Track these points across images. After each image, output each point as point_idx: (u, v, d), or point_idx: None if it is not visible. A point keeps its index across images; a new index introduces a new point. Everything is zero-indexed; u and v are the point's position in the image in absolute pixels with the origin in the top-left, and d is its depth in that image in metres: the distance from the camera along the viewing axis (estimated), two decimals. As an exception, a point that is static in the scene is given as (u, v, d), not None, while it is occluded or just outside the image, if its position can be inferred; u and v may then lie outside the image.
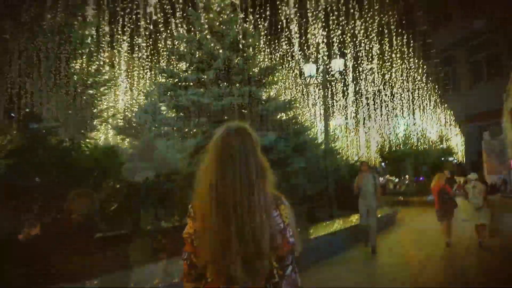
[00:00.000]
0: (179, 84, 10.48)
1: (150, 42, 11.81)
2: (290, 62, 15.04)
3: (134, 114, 9.10)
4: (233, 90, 9.74)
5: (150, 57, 12.54)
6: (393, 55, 21.29)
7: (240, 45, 10.47)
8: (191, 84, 10.51)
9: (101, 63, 9.04)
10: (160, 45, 11.78)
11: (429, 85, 28.29)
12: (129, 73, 12.00)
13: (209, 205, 1.59)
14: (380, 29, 17.44)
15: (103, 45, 9.09)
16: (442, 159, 37.36)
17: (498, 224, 11.72)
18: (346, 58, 15.05)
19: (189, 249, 1.70)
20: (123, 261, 5.58)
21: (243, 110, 9.71)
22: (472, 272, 7.21)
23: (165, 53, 11.52)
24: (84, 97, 6.55)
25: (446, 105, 35.50)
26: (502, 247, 10.03)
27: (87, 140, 6.61)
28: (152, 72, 11.90)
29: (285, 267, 1.62)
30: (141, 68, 12.03)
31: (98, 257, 3.75)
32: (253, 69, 10.60)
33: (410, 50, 22.46)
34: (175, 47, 10.85)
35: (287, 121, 9.62)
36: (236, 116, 9.54)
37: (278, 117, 9.73)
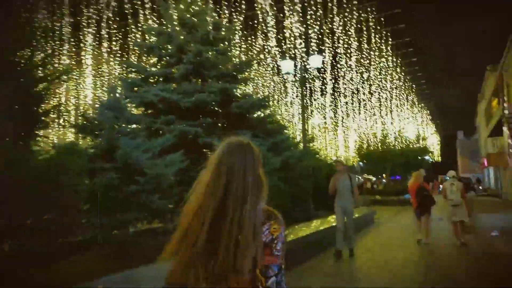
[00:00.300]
0: (147, 79, 9.85)
1: (115, 34, 11.14)
2: (266, 58, 14.58)
3: (95, 111, 8.42)
4: (205, 86, 9.18)
5: (114, 50, 11.86)
6: (371, 53, 21.16)
7: (212, 38, 9.91)
8: (160, 79, 9.91)
9: (55, 53, 8.37)
10: (127, 38, 11.12)
11: (406, 84, 28.34)
12: (90, 67, 11.29)
13: (190, 214, 1.60)
14: (359, 26, 17.22)
15: (59, 35, 8.42)
16: (419, 158, 37.67)
17: (474, 221, 11.70)
18: (324, 54, 14.67)
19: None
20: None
21: (215, 108, 9.15)
22: (452, 270, 7.14)
23: (132, 46, 10.85)
24: (35, 91, 5.90)
25: (422, 104, 35.88)
26: (479, 244, 9.96)
27: (38, 139, 5.96)
28: (117, 66, 11.23)
29: (268, 279, 1.58)
30: (105, 61, 11.34)
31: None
32: (227, 64, 10.05)
33: (388, 49, 22.40)
34: (143, 40, 10.20)
35: (262, 119, 9.11)
36: (207, 113, 8.99)
37: (253, 115, 9.21)
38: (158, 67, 10.20)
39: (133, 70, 10.31)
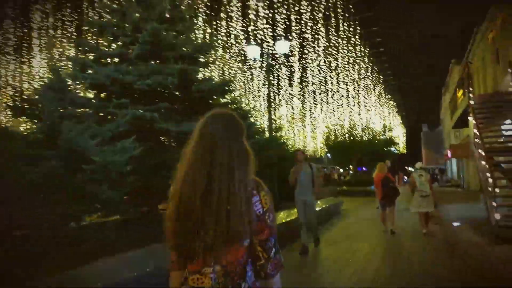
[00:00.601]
0: (100, 59, 9.04)
1: (71, 14, 10.25)
2: (231, 41, 13.94)
3: (38, 92, 7.60)
4: (162, 68, 8.48)
5: (70, 30, 10.95)
6: (339, 42, 20.86)
7: (171, 17, 9.19)
8: (115, 60, 9.13)
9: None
10: (77, 16, 10.23)
11: (373, 74, 28.34)
12: (39, 47, 10.37)
13: (180, 188, 1.62)
14: (327, 14, 16.84)
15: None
16: (385, 149, 38.11)
17: (439, 212, 11.69)
18: (291, 40, 14.16)
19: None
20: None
21: (174, 92, 8.47)
22: (418, 261, 6.97)
23: (83, 24, 9.98)
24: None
25: (389, 96, 36.19)
26: (443, 233, 9.84)
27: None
28: (65, 45, 10.34)
29: (269, 250, 1.68)
30: (57, 42, 10.44)
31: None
32: (187, 46, 9.36)
33: (356, 38, 22.18)
34: (95, 17, 9.36)
35: (225, 105, 8.50)
36: (165, 97, 8.31)
37: (216, 100, 8.57)
38: (112, 47, 9.40)
39: (86, 49, 9.48)
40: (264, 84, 16.26)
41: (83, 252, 5.67)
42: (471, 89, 14.65)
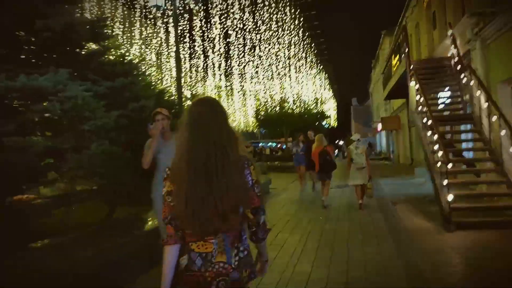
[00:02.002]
0: None
1: None
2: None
3: None
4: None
5: None
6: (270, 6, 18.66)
7: None
8: None
9: None
10: None
11: (305, 42, 26.58)
12: None
13: (184, 167, 1.82)
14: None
15: None
16: (317, 123, 37.19)
17: (373, 185, 10.82)
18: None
19: (169, 210, 1.90)
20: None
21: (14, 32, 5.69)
22: (358, 259, 5.71)
23: None
24: None
25: (321, 66, 34.91)
26: (387, 218, 8.56)
27: None
28: None
29: (259, 217, 1.91)
30: None
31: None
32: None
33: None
34: None
35: (95, 53, 5.95)
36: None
37: (78, 44, 5.97)
38: None
39: None
40: (167, 41, 13.46)
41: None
42: (407, 52, 13.34)
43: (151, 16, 13.11)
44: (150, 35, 13.41)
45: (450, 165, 7.29)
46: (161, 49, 14.23)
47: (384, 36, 32.67)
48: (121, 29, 12.17)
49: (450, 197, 7.19)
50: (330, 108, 46.76)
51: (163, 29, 13.41)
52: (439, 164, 8.00)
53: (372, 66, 44.95)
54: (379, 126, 35.33)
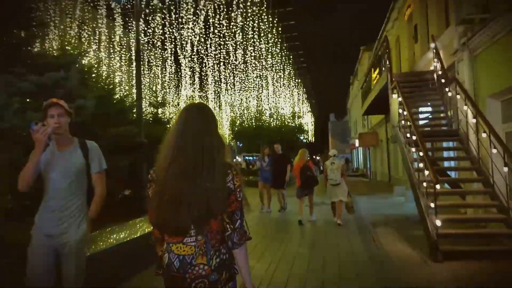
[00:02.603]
0: None
1: None
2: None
3: None
4: None
5: None
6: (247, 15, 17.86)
7: None
8: None
9: None
10: None
11: (284, 53, 25.80)
12: None
13: (167, 169, 1.86)
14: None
15: None
16: (294, 138, 36.49)
17: (353, 201, 10.39)
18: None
19: (155, 214, 1.92)
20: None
21: None
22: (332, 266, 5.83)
23: None
24: None
25: (299, 80, 34.27)
26: (366, 243, 7.77)
27: None
28: None
29: (235, 221, 1.93)
30: None
31: None
32: None
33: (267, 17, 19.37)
34: None
35: (23, 41, 4.82)
36: None
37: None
38: None
39: None
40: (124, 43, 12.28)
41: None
42: (388, 64, 12.71)
43: (113, 10, 12.06)
44: (107, 30, 12.26)
45: (438, 186, 6.45)
46: (121, 48, 13.11)
47: (363, 52, 32.43)
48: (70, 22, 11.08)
49: (438, 222, 6.33)
50: (308, 122, 46.23)
51: (125, 26, 12.29)
52: (424, 184, 7.17)
53: (351, 82, 44.81)
54: (357, 142, 34.88)
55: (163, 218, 1.86)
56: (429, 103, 11.36)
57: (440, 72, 10.70)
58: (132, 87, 11.55)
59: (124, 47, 12.79)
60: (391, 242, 7.68)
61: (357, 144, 35.87)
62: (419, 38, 14.86)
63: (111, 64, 11.81)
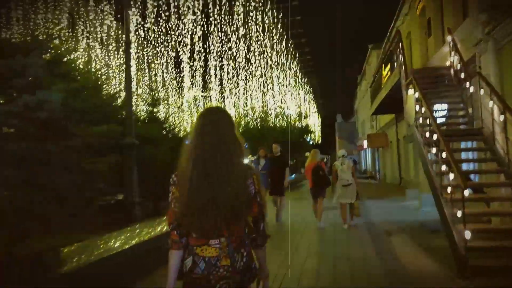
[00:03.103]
0: None
1: None
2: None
3: None
4: None
5: None
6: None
7: None
8: None
9: None
10: None
11: (291, 58, 24.95)
12: None
13: (190, 173, 1.90)
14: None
15: None
16: (301, 139, 35.67)
17: (360, 204, 10.45)
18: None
19: (174, 217, 1.97)
20: None
21: None
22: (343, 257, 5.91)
23: None
24: None
25: (306, 79, 33.39)
26: (383, 257, 6.87)
27: None
28: None
29: (259, 225, 2.02)
30: None
31: None
32: None
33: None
34: None
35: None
36: None
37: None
38: None
39: None
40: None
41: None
42: (402, 59, 11.89)
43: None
44: (91, 16, 11.37)
45: (467, 192, 5.62)
46: (111, 38, 12.30)
47: (371, 50, 31.49)
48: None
49: (467, 234, 5.50)
50: (315, 123, 45.36)
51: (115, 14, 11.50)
52: (449, 189, 6.33)
53: (358, 82, 43.86)
54: (365, 144, 33.95)
55: (189, 221, 1.90)
56: (445, 101, 10.51)
57: (458, 67, 9.88)
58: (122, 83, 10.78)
59: (114, 38, 11.98)
60: (409, 254, 6.85)
61: (365, 146, 34.93)
62: (432, 32, 14.01)
63: (98, 56, 11.01)
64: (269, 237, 2.08)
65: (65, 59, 6.97)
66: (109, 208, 6.97)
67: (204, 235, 1.91)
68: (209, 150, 1.90)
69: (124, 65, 7.97)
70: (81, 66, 8.24)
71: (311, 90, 37.20)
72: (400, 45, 11.93)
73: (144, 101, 11.31)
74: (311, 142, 42.04)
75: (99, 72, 9.79)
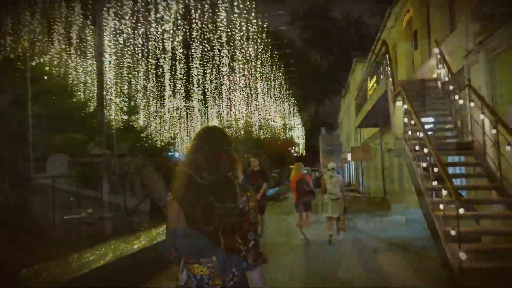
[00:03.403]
0: None
1: None
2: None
3: None
4: None
5: None
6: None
7: None
8: None
9: None
10: None
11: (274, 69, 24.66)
12: None
13: (186, 190, 1.95)
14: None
15: None
16: (286, 152, 35.31)
17: (346, 218, 9.93)
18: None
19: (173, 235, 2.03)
20: None
21: None
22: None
23: None
24: None
25: (290, 92, 33.14)
26: (359, 253, 7.81)
27: None
28: None
29: (248, 242, 1.93)
30: None
31: None
32: None
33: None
34: None
35: None
36: None
37: None
38: None
39: None
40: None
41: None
42: (389, 70, 11.66)
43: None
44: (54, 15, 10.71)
45: (461, 210, 5.25)
46: (79, 41, 11.65)
47: (356, 63, 31.54)
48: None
49: (462, 255, 5.11)
50: (299, 136, 45.17)
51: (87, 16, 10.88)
52: (441, 206, 5.96)
53: (342, 95, 43.95)
54: (349, 156, 33.78)
55: (181, 238, 1.93)
56: (433, 113, 10.27)
57: (446, 79, 9.66)
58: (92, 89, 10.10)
59: (84, 40, 11.38)
60: (400, 275, 6.44)
61: (349, 158, 34.78)
62: (419, 44, 13.87)
63: (69, 60, 10.39)
64: (265, 261, 1.96)
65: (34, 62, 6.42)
66: (76, 224, 6.38)
67: (196, 252, 1.91)
68: (207, 167, 1.94)
69: (97, 70, 7.43)
70: (46, 69, 7.67)
71: (295, 102, 36.98)
72: (387, 56, 11.66)
73: (120, 110, 10.77)
74: (295, 154, 41.76)
75: (69, 77, 9.20)
